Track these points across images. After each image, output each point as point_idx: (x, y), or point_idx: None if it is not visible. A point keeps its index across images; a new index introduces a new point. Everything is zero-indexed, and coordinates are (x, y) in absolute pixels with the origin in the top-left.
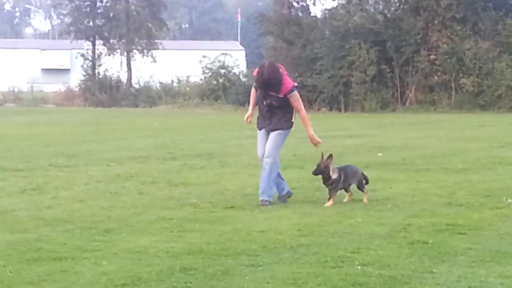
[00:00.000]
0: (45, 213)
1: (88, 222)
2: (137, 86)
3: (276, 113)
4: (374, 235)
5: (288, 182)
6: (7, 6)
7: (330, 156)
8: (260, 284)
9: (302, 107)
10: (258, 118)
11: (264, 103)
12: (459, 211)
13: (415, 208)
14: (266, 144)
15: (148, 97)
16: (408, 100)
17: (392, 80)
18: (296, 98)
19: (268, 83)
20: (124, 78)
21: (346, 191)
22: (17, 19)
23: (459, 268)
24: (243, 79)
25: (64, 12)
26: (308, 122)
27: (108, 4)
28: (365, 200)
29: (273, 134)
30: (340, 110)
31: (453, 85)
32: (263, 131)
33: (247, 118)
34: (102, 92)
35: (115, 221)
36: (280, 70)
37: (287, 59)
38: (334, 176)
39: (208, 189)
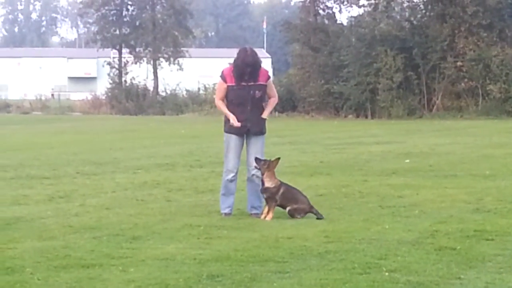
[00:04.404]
0: (72, 220)
1: (115, 230)
2: (163, 94)
3: (258, 108)
4: (402, 241)
5: (315, 189)
6: (34, 15)
7: (277, 159)
8: None
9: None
10: (232, 123)
11: (250, 97)
12: (486, 217)
13: (442, 214)
14: (251, 154)
15: (174, 104)
16: (435, 107)
17: (418, 87)
18: (273, 86)
19: (255, 66)
20: (150, 86)
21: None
22: (44, 28)
23: (487, 274)
24: None
25: (91, 21)
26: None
27: (134, 13)
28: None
29: (258, 140)
30: (366, 117)
31: (480, 91)
32: (237, 138)
33: (236, 121)
34: (128, 100)
35: (142, 228)
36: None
37: (313, 67)
38: (268, 184)
39: (235, 196)
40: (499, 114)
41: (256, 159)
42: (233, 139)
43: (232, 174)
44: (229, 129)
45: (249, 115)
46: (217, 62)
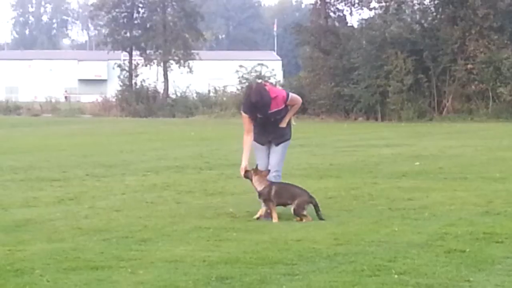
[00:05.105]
0: (82, 222)
1: (125, 232)
2: (173, 96)
3: (278, 122)
4: (411, 244)
5: (325, 191)
6: (45, 18)
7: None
8: None
9: (299, 97)
10: (256, 133)
11: (269, 121)
12: (496, 219)
13: (452, 216)
14: (271, 157)
15: (184, 107)
16: (445, 109)
17: (429, 90)
18: (293, 98)
19: (256, 106)
20: (160, 88)
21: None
22: (54, 30)
23: (496, 277)
24: None
25: (101, 23)
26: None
27: (145, 15)
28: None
29: (280, 146)
30: (377, 120)
31: (490, 94)
32: (265, 145)
33: (243, 171)
34: (139, 102)
35: (151, 230)
36: (267, 92)
37: (324, 69)
38: (259, 188)
39: (245, 199)
40: (509, 116)
41: (246, 172)
42: (258, 147)
43: None
44: (255, 139)
45: (270, 132)
46: (227, 64)
